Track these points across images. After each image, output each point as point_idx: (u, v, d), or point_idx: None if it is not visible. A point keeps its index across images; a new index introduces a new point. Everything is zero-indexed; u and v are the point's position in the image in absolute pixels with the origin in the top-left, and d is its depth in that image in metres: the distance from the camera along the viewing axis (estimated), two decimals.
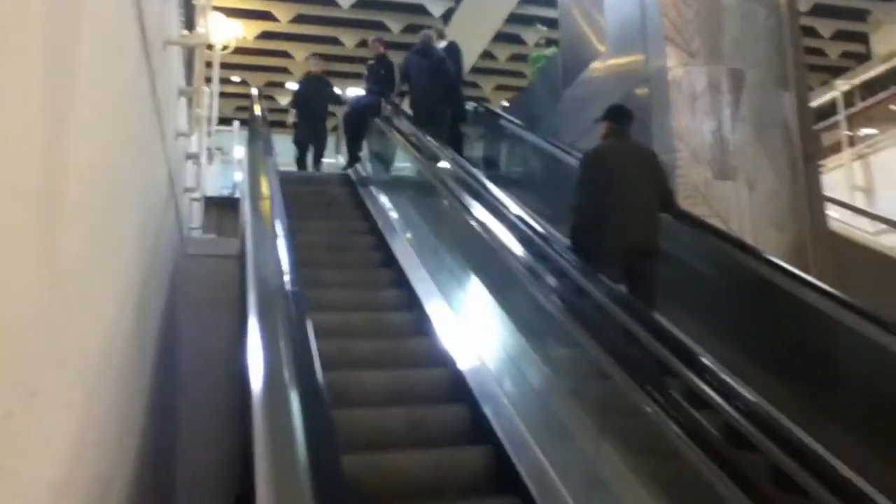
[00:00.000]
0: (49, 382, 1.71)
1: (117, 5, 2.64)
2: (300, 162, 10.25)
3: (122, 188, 2.97)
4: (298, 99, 10.40)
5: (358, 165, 9.14)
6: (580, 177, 4.65)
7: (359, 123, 9.43)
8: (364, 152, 9.39)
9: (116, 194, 2.82)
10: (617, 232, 4.36)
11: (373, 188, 7.74)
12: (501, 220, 4.68)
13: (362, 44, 14.87)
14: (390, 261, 5.70)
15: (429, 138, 7.03)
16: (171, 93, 5.34)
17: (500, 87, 17.19)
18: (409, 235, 6.07)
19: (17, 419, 1.43)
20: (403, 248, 5.76)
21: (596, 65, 6.76)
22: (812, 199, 5.85)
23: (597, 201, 4.49)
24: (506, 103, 15.74)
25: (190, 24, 6.56)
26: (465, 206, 5.10)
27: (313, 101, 10.13)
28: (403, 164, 7.63)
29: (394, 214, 6.75)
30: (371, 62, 9.73)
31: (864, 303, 3.71)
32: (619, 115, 4.80)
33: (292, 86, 16.71)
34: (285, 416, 2.08)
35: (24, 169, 1.48)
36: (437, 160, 6.33)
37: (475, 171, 5.93)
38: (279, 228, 4.31)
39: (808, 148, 5.94)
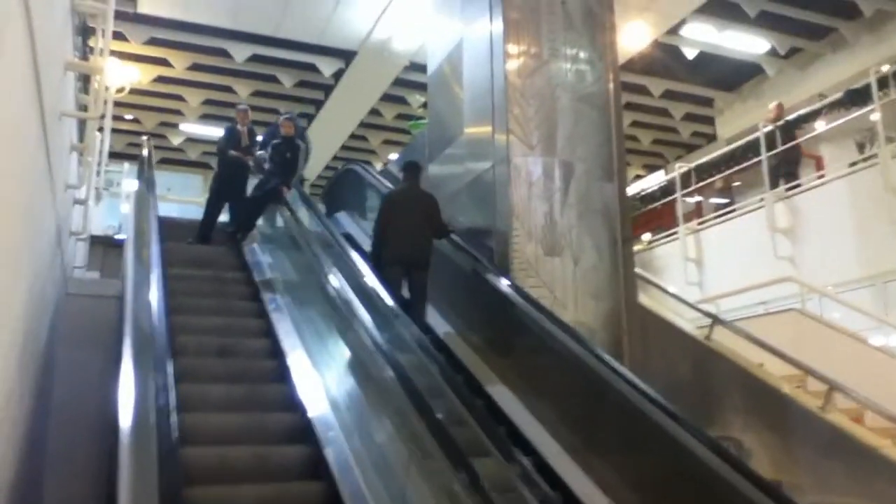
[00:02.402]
0: None
1: (24, 92, 3.24)
2: (205, 230, 8.81)
3: (18, 241, 3.52)
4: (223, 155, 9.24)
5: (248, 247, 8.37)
6: (378, 211, 6.92)
7: (259, 206, 8.64)
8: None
9: (11, 250, 3.36)
10: (396, 249, 6.48)
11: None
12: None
13: (256, 93, 15.54)
14: None
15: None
16: (63, 149, 5.88)
17: (386, 142, 18.14)
18: None
19: None
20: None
21: (455, 146, 7.67)
22: (626, 274, 6.87)
23: (385, 227, 6.65)
24: (394, 156, 16.70)
25: (86, 79, 7.08)
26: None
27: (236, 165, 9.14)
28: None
29: None
30: (276, 142, 8.72)
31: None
32: (408, 169, 7.05)
33: (187, 127, 17.13)
34: (149, 455, 2.73)
35: None
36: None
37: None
38: (156, 277, 4.96)
39: (625, 231, 6.98)
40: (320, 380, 5.14)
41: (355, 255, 6.32)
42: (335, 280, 5.69)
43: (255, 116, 16.76)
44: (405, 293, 6.45)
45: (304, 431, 4.51)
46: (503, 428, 4.68)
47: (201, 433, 4.34)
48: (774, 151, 10.29)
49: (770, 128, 10.56)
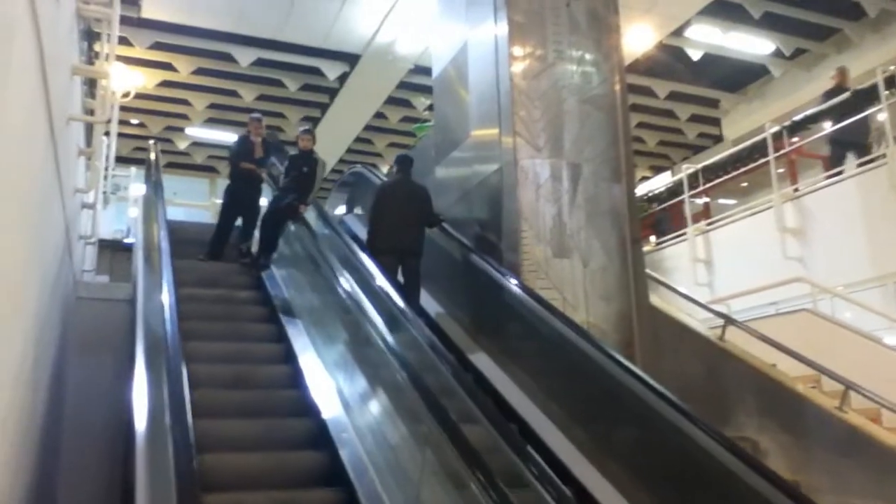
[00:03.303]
0: None
1: (33, 97, 3.24)
2: (216, 245, 8.32)
3: (29, 245, 3.52)
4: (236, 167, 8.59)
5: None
6: (372, 202, 7.17)
7: (276, 225, 7.95)
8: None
9: (22, 253, 3.37)
10: (390, 238, 6.78)
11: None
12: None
13: (261, 97, 15.54)
14: None
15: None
16: (71, 153, 5.88)
17: (392, 145, 18.12)
18: None
19: None
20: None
21: (461, 148, 7.65)
22: (636, 275, 6.84)
23: (379, 218, 6.95)
24: None
25: (92, 83, 7.09)
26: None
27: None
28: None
29: None
30: (293, 154, 8.13)
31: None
32: (401, 162, 7.40)
33: (192, 131, 17.15)
34: (164, 457, 2.71)
35: None
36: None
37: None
38: (167, 281, 4.95)
39: (634, 232, 6.95)
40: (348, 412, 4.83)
41: (388, 286, 5.70)
42: (368, 317, 5.04)
43: None
44: (400, 279, 6.69)
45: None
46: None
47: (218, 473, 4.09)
48: (842, 124, 9.53)
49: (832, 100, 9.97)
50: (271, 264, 7.81)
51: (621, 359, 4.76)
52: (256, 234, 8.29)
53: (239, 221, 8.48)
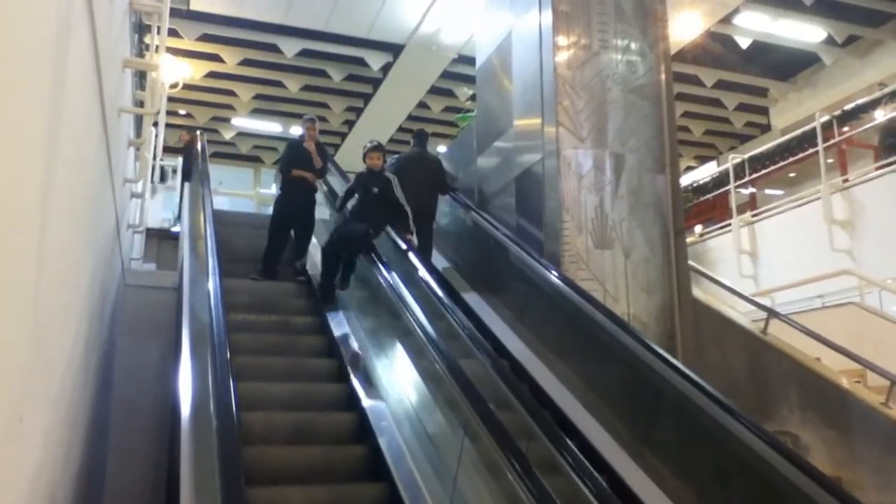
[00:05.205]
0: (29, 409, 2.26)
1: (88, 91, 3.35)
2: (269, 263, 7.50)
3: (84, 232, 3.65)
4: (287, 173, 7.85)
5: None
6: (392, 171, 7.36)
7: (339, 257, 6.87)
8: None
9: (81, 239, 3.49)
10: (408, 203, 6.98)
11: None
12: None
13: (305, 87, 15.69)
14: None
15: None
16: (122, 144, 6.03)
17: (434, 135, 18.10)
18: None
19: (11, 438, 1.95)
20: None
21: (503, 138, 7.66)
22: (679, 268, 6.79)
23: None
24: (442, 149, 16.71)
25: (142, 75, 7.26)
26: None
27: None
28: None
29: None
30: (362, 172, 7.26)
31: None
32: (417, 136, 8.45)
33: (238, 121, 17.40)
34: (209, 444, 2.79)
35: (20, 223, 1.90)
36: None
37: None
38: (213, 269, 5.05)
39: (677, 223, 6.90)
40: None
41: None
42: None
43: (304, 110, 17.09)
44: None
45: None
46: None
47: None
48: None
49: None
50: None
51: (661, 351, 4.74)
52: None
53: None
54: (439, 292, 5.73)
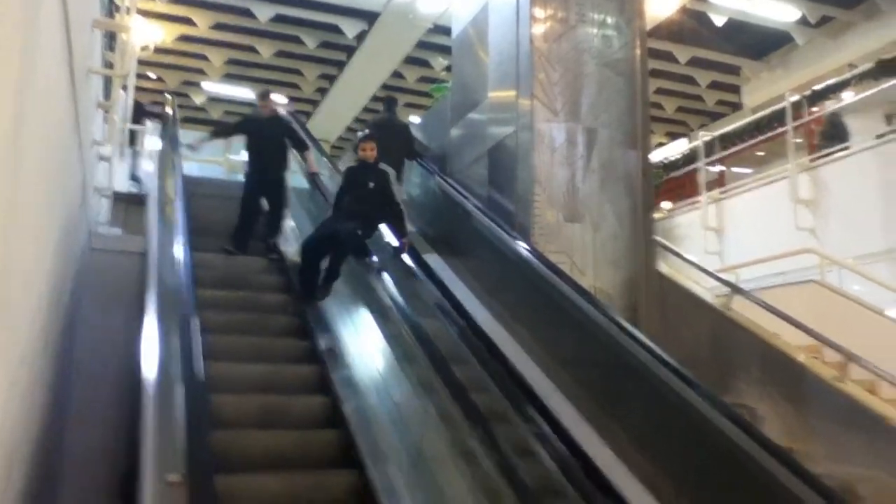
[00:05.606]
0: None
1: (57, 51, 3.30)
2: (241, 234, 7.13)
3: (51, 195, 3.61)
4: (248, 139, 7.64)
5: None
6: (364, 135, 7.04)
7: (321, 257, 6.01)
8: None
9: (47, 201, 3.45)
10: None
11: None
12: None
13: (279, 53, 15.51)
14: None
15: None
16: (90, 106, 5.94)
17: (409, 105, 18.05)
18: None
19: None
20: None
21: (478, 110, 7.67)
22: (646, 243, 6.88)
23: None
24: (416, 119, 16.65)
25: (112, 36, 7.13)
26: None
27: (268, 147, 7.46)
28: None
29: None
30: (351, 166, 6.62)
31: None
32: (387, 102, 8.84)
33: (209, 86, 17.15)
34: (171, 406, 2.80)
35: None
36: None
37: None
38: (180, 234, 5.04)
39: (646, 199, 6.98)
40: None
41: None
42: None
43: (277, 77, 16.90)
44: None
45: None
46: None
47: None
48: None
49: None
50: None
51: (622, 321, 4.82)
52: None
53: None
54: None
